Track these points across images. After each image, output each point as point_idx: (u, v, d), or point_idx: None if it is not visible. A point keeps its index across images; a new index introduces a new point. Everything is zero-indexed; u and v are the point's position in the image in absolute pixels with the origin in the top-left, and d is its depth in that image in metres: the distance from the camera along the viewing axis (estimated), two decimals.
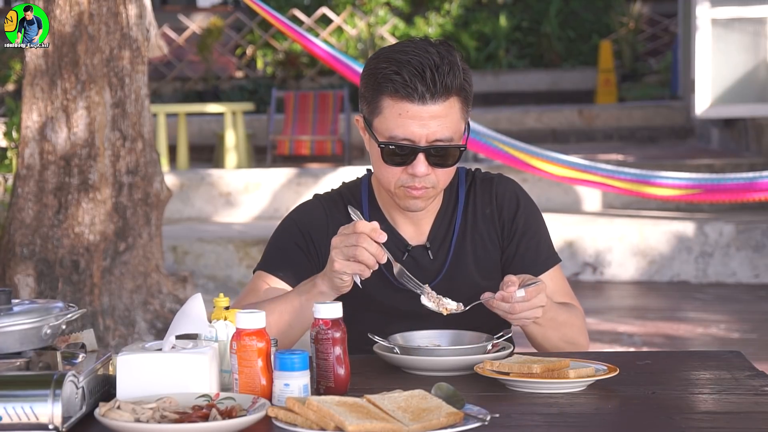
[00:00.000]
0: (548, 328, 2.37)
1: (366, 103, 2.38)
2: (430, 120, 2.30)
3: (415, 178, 2.33)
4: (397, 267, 2.29)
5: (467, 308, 2.26)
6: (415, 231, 2.48)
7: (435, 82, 2.28)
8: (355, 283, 2.20)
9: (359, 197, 2.51)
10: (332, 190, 2.56)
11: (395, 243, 2.46)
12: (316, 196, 2.55)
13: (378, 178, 2.42)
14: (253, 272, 2.49)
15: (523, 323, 2.27)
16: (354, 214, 2.26)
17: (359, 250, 2.14)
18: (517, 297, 2.19)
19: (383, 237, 2.16)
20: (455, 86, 2.31)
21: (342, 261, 2.16)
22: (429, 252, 2.47)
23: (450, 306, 2.28)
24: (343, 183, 2.57)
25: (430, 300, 2.29)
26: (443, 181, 2.38)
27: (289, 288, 2.42)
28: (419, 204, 2.39)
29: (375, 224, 2.17)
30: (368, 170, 2.53)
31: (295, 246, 2.46)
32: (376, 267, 2.17)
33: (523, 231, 2.48)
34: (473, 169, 2.56)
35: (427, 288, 2.28)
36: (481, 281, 2.45)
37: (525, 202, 2.51)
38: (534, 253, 2.48)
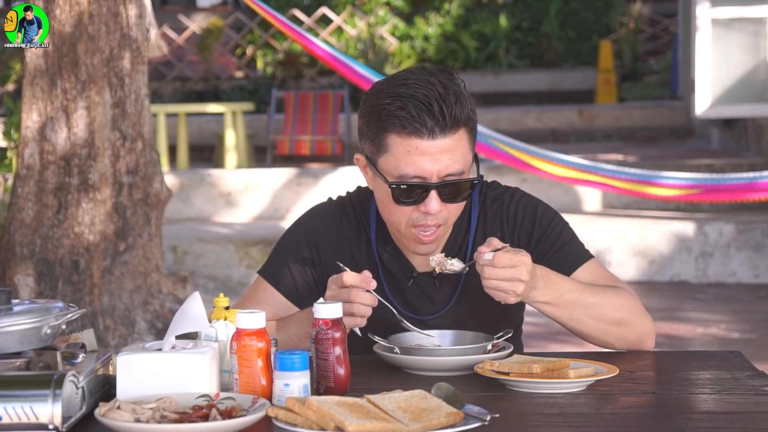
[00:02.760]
0: (572, 309, 2.24)
1: (369, 142, 2.28)
2: (440, 155, 2.22)
3: (427, 216, 2.25)
4: (400, 320, 2.27)
5: (468, 266, 2.24)
6: (424, 257, 2.38)
7: (444, 115, 2.20)
8: (353, 330, 2.17)
9: (368, 213, 2.43)
10: (348, 194, 2.48)
11: (402, 268, 2.41)
12: (330, 201, 2.48)
13: (386, 219, 2.33)
14: (258, 273, 2.47)
15: (500, 296, 2.16)
16: (340, 266, 2.20)
17: (355, 307, 2.11)
18: (485, 259, 2.12)
19: (373, 284, 2.13)
20: (463, 117, 2.23)
21: None
22: (436, 281, 2.40)
23: (455, 267, 2.25)
24: (359, 188, 2.48)
25: (433, 262, 2.27)
26: (454, 216, 2.30)
27: (289, 303, 2.40)
28: (430, 248, 2.32)
29: (365, 273, 2.13)
30: None
31: (301, 259, 2.41)
32: (369, 314, 2.14)
33: (545, 238, 2.38)
34: (489, 184, 2.46)
35: (430, 333, 2.28)
36: (490, 309, 2.38)
37: (542, 212, 2.41)
38: (560, 255, 2.37)
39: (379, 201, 2.33)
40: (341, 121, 10.95)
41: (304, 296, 2.41)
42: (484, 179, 2.46)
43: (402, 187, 2.23)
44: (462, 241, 2.42)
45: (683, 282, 7.64)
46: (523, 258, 2.13)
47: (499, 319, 2.40)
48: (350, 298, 2.12)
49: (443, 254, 2.29)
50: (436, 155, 2.22)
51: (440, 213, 2.26)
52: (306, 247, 2.42)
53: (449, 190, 2.25)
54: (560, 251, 2.38)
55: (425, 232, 2.28)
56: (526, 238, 2.40)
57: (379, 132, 2.25)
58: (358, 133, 2.33)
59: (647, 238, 7.69)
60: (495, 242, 2.15)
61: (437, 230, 2.29)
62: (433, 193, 2.24)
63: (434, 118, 2.20)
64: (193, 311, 1.98)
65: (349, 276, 2.13)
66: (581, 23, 15.15)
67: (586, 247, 2.46)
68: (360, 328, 2.18)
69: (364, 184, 2.49)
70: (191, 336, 1.99)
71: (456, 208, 2.30)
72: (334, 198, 2.49)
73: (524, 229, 2.40)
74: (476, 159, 2.33)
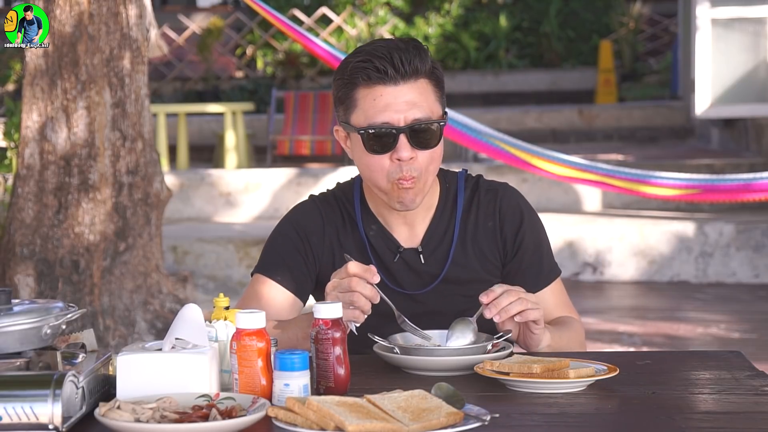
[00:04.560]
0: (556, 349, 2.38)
1: (341, 104, 2.39)
2: (404, 101, 2.32)
3: (402, 166, 2.32)
4: (398, 317, 2.28)
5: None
6: (409, 233, 2.47)
7: (403, 63, 2.32)
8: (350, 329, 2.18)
9: (351, 198, 2.50)
10: (327, 190, 2.56)
11: (387, 244, 2.46)
12: (311, 197, 2.55)
13: (368, 178, 2.40)
14: (251, 275, 2.49)
15: (539, 314, 2.25)
16: (347, 257, 2.24)
17: (355, 296, 2.14)
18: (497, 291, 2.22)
19: (376, 278, 2.16)
20: (425, 69, 2.35)
21: None
22: (421, 256, 2.45)
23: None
24: (338, 183, 2.57)
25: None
26: (427, 168, 2.36)
27: (287, 293, 2.43)
28: (411, 196, 2.36)
29: (370, 267, 2.17)
30: None
31: (293, 249, 2.46)
32: (370, 311, 2.17)
33: (527, 246, 2.48)
34: (475, 176, 2.54)
35: (427, 334, 2.29)
36: (476, 289, 2.41)
37: (528, 216, 2.50)
38: (537, 268, 2.49)
39: (358, 162, 2.41)
40: None
41: (300, 283, 2.45)
42: (469, 172, 2.55)
43: (371, 132, 2.33)
44: (448, 221, 2.48)
45: (683, 282, 7.64)
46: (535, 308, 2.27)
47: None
48: (351, 286, 2.14)
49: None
50: (400, 102, 2.33)
51: (414, 162, 2.34)
52: (296, 237, 2.47)
53: (417, 135, 2.33)
54: (539, 262, 2.51)
55: (404, 182, 2.35)
56: (512, 234, 2.49)
57: (349, 90, 2.37)
58: (333, 102, 2.44)
59: (647, 238, 7.69)
60: (497, 288, 2.24)
61: (414, 180, 2.35)
62: (402, 138, 2.32)
63: (394, 66, 2.32)
64: (190, 321, 1.97)
65: (353, 265, 2.16)
66: (581, 23, 15.15)
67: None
68: (356, 328, 2.18)
69: None
70: None
71: (427, 158, 2.35)
72: (315, 194, 2.57)
73: (512, 225, 2.49)
74: (445, 115, 2.41)
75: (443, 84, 2.41)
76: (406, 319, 2.29)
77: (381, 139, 2.33)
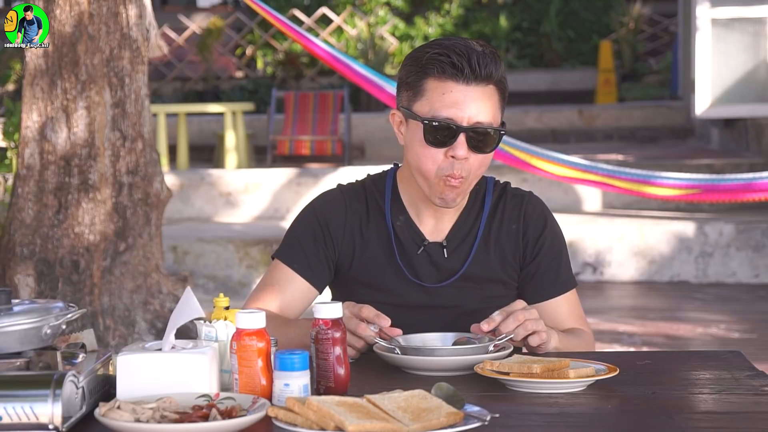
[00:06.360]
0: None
1: (408, 89, 2.42)
2: (472, 103, 2.35)
3: (455, 164, 2.35)
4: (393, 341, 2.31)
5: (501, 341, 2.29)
6: (435, 227, 2.51)
7: (480, 66, 2.34)
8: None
9: (383, 189, 2.54)
10: (356, 181, 2.59)
11: (412, 237, 2.50)
12: (339, 186, 2.59)
13: (418, 167, 2.41)
14: (272, 258, 2.54)
15: (544, 337, 2.28)
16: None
17: (359, 342, 2.23)
18: (495, 317, 2.25)
19: (386, 322, 2.22)
20: (497, 76, 2.37)
21: None
22: (444, 250, 2.49)
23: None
24: (369, 175, 2.60)
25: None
26: (476, 172, 2.40)
27: (303, 281, 2.48)
28: (454, 195, 2.40)
29: (382, 317, 2.23)
30: (395, 164, 2.56)
31: (312, 238, 2.50)
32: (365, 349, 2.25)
33: (547, 251, 2.52)
34: (503, 182, 2.59)
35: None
36: (493, 290, 2.50)
37: (551, 224, 2.56)
38: (554, 275, 2.53)
39: (411, 149, 2.42)
40: (341, 121, 10.95)
41: (317, 273, 2.49)
42: (497, 179, 2.60)
43: (434, 124, 2.35)
44: (474, 220, 2.52)
45: (683, 282, 7.64)
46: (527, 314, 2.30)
47: (501, 304, 2.45)
48: (352, 329, 2.21)
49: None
50: (468, 102, 2.35)
51: (466, 163, 2.36)
52: (317, 225, 2.51)
53: (477, 137, 2.36)
54: (557, 269, 2.55)
55: (452, 179, 2.38)
56: (534, 238, 2.53)
57: (419, 78, 2.39)
58: (397, 86, 2.47)
59: (647, 238, 7.69)
60: (496, 316, 2.27)
61: (462, 180, 2.38)
62: (462, 137, 2.35)
63: (471, 67, 2.35)
64: (187, 304, 1.98)
65: (367, 310, 2.23)
66: (581, 23, 15.15)
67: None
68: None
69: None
70: (191, 336, 1.99)
71: (479, 161, 2.38)
72: (343, 183, 2.60)
73: (536, 229, 2.54)
74: (503, 124, 2.43)
75: (507, 96, 2.43)
76: (414, 351, 2.31)
77: (441, 133, 2.35)
